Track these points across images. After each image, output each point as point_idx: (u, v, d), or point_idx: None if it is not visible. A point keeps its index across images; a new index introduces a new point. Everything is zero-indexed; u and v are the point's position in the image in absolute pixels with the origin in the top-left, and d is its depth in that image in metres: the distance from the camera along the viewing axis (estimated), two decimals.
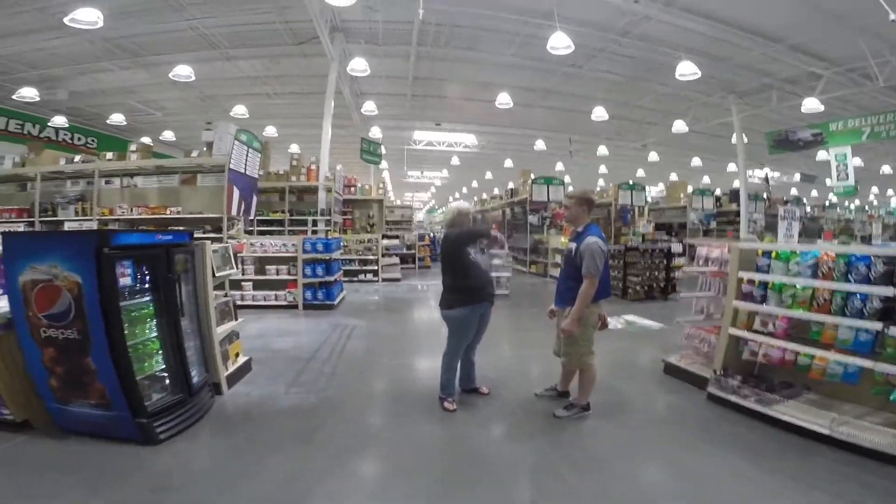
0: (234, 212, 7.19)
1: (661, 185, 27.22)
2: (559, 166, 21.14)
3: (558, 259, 12.21)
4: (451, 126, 17.43)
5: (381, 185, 14.73)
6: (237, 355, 4.28)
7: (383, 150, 15.56)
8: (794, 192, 26.69)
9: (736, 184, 21.58)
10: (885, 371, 2.82)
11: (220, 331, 3.97)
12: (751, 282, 3.63)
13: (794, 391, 3.44)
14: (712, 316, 4.23)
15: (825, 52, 10.06)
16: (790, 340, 3.35)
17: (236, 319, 4.33)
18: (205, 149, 7.31)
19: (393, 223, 18.14)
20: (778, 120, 14.41)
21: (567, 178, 20.22)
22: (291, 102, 14.67)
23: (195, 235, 6.82)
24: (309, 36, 10.33)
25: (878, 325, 2.83)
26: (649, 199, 16.40)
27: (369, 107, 12.68)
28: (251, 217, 8.49)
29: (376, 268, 10.99)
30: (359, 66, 9.19)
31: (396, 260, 11.55)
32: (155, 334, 3.26)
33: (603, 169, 24.49)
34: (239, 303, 7.04)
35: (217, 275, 3.94)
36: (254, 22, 10.13)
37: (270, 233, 10.58)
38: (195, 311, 3.64)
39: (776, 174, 23.92)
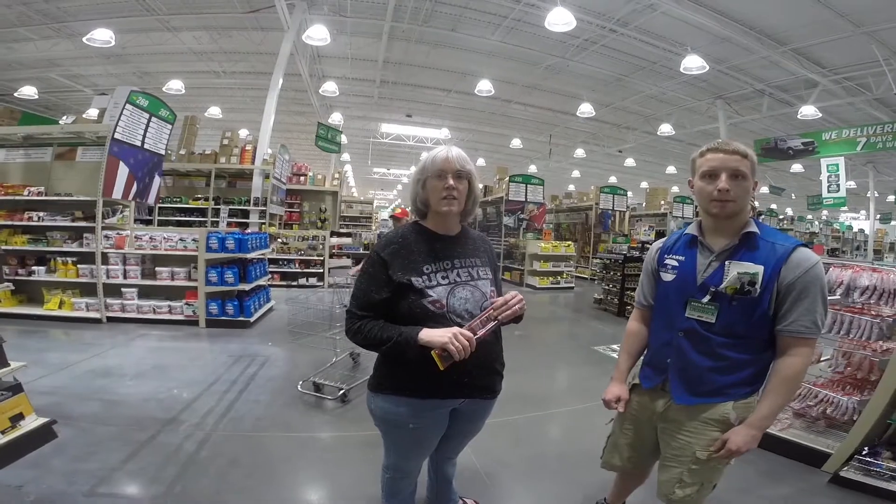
0: (117, 194, 5.49)
1: (630, 193, 27.15)
2: (532, 168, 20.31)
3: (537, 266, 11.02)
4: (423, 119, 16.11)
5: (336, 176, 13.00)
6: (16, 419, 2.59)
7: (344, 140, 14.00)
8: (756, 203, 27.21)
9: None
10: None
11: None
12: None
13: None
14: (834, 368, 3.05)
15: (828, 59, 9.51)
16: None
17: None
18: (93, 117, 5.62)
19: (350, 219, 16.59)
20: (758, 129, 14.06)
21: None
22: (241, 82, 12.93)
23: (61, 225, 5.37)
24: (264, 3, 8.78)
25: None
26: (630, 205, 15.64)
27: (330, 87, 11.14)
28: (149, 203, 6.74)
29: (321, 270, 9.29)
30: (318, 34, 7.73)
31: (348, 262, 9.79)
32: None
33: (576, 173, 24.01)
34: (119, 315, 5.33)
35: None
36: None
37: (189, 224, 8.75)
38: None
39: None
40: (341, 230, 11.80)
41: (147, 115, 5.84)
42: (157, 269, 5.53)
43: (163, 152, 6.32)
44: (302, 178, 11.86)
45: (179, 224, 8.89)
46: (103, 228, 5.37)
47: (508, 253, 12.18)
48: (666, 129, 13.38)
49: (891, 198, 21.43)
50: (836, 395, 2.88)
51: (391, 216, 4.93)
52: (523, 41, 10.00)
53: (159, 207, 9.01)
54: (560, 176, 23.58)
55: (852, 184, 20.26)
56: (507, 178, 12.42)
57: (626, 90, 12.67)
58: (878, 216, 23.31)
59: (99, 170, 5.30)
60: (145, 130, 5.81)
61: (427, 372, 1.48)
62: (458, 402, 1.64)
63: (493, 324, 1.48)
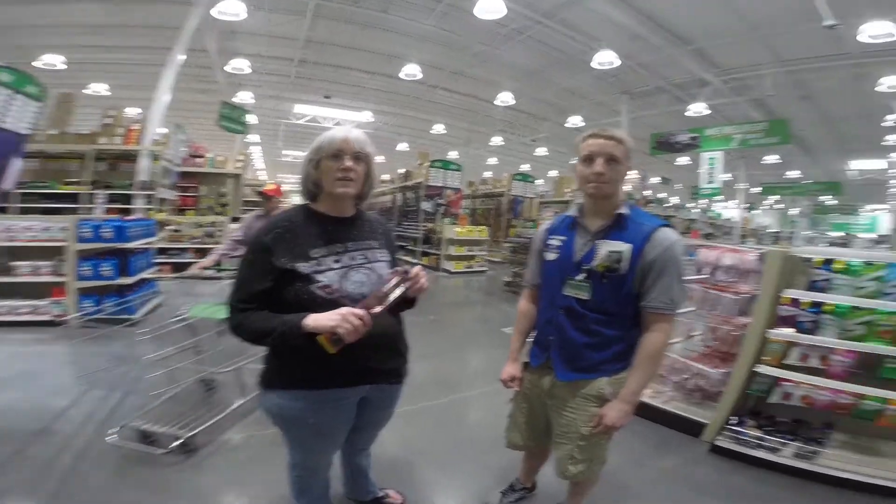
0: None
1: (541, 181, 28.45)
2: (453, 154, 20.53)
3: (453, 250, 11.18)
4: (343, 101, 15.49)
5: (240, 158, 12.08)
6: None
7: (252, 120, 13.04)
8: (647, 192, 29.89)
9: None
10: None
11: None
12: (795, 303, 2.72)
13: (820, 433, 2.84)
14: (705, 343, 3.44)
15: (721, 60, 10.52)
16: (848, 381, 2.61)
17: None
18: None
19: (256, 204, 15.55)
20: (656, 124, 15.36)
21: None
22: (137, 57, 11.40)
23: None
24: None
25: None
26: (539, 192, 16.42)
27: (238, 64, 10.30)
28: (6, 188, 5.94)
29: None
30: (231, 9, 7.12)
31: None
32: None
33: (493, 160, 24.65)
34: None
35: None
36: None
37: (59, 212, 7.51)
38: None
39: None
40: (244, 216, 11.02)
41: (8, 92, 5.10)
42: (14, 263, 4.77)
43: (27, 132, 5.52)
44: (199, 160, 10.78)
45: (46, 212, 7.58)
46: None
47: (426, 238, 12.27)
48: (576, 120, 14.13)
49: (755, 189, 24.69)
50: (707, 368, 3.22)
51: (260, 192, 4.31)
52: (455, 27, 9.91)
53: (22, 194, 7.67)
54: (478, 163, 24.08)
55: (728, 176, 23.08)
56: (428, 164, 12.44)
57: (544, 81, 13.13)
58: (747, 205, 26.80)
59: None
60: (5, 108, 5.08)
61: (322, 361, 1.37)
62: (364, 389, 1.57)
63: (397, 291, 1.42)
